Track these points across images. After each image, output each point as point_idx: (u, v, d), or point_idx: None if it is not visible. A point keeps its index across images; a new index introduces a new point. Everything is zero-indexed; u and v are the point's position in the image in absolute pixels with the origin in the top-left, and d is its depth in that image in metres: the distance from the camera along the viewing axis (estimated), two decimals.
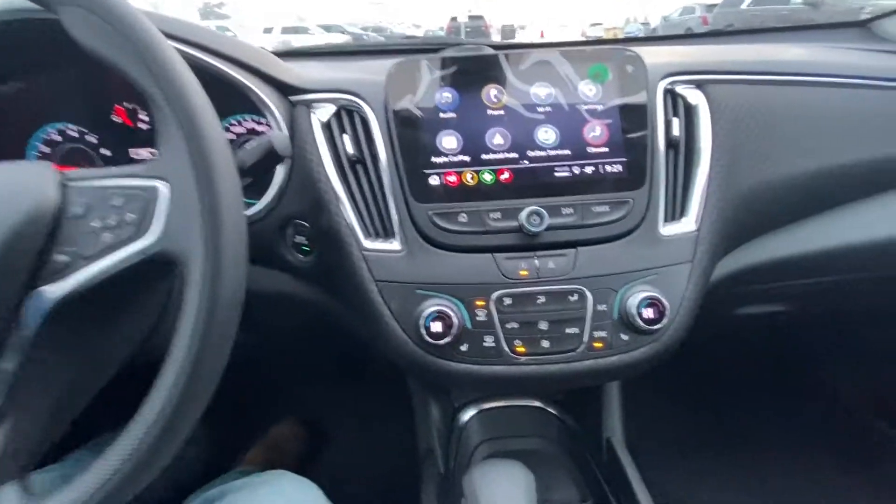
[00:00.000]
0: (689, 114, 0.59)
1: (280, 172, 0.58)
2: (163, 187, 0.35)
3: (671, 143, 0.57)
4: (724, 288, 0.63)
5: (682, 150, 0.58)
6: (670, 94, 0.60)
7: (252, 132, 0.67)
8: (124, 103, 0.68)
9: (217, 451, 0.98)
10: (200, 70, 0.54)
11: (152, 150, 0.69)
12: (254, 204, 0.60)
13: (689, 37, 1.12)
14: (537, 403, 0.80)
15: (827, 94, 0.64)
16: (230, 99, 0.58)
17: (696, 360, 0.93)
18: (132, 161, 0.69)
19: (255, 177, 0.49)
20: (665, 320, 0.51)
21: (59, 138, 0.67)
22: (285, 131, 0.57)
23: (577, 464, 0.75)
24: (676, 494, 0.93)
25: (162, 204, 0.35)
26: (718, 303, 0.63)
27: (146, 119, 0.68)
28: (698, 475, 0.98)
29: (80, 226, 0.35)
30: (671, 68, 0.60)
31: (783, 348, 1.17)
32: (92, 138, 0.68)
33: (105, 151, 0.69)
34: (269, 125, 0.64)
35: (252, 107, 0.59)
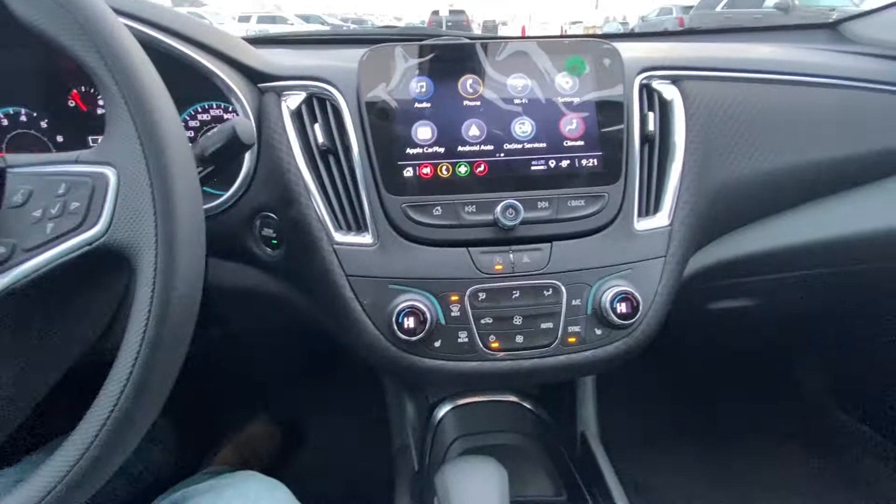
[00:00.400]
0: (664, 109, 0.60)
1: (247, 162, 0.56)
2: (111, 174, 0.33)
3: (646, 138, 0.57)
4: (696, 283, 0.64)
5: (657, 145, 0.58)
6: (646, 89, 0.60)
7: (218, 120, 0.64)
8: (81, 87, 0.64)
9: (186, 452, 0.95)
10: (159, 52, 0.52)
11: None
12: (220, 195, 0.57)
13: (665, 34, 1.13)
14: (513, 398, 0.80)
15: (797, 92, 0.66)
16: (195, 84, 0.55)
17: (669, 354, 0.95)
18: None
19: (217, 165, 0.46)
20: (638, 315, 0.51)
21: (6, 123, 0.63)
22: (251, 118, 0.55)
23: (551, 458, 0.75)
24: (650, 487, 0.94)
25: (110, 192, 0.32)
26: (690, 298, 0.64)
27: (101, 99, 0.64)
28: (671, 468, 1.00)
29: (21, 215, 0.33)
30: (647, 63, 0.60)
31: (753, 342, 1.20)
32: (45, 124, 0.64)
33: (59, 138, 0.65)
34: (235, 112, 0.61)
35: (218, 93, 0.56)
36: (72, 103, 0.64)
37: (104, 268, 0.38)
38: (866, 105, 0.67)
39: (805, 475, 1.00)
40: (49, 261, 0.32)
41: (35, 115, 0.63)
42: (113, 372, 0.31)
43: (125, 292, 0.45)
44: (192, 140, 0.63)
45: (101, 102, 0.64)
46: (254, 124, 0.55)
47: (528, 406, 0.76)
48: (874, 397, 1.06)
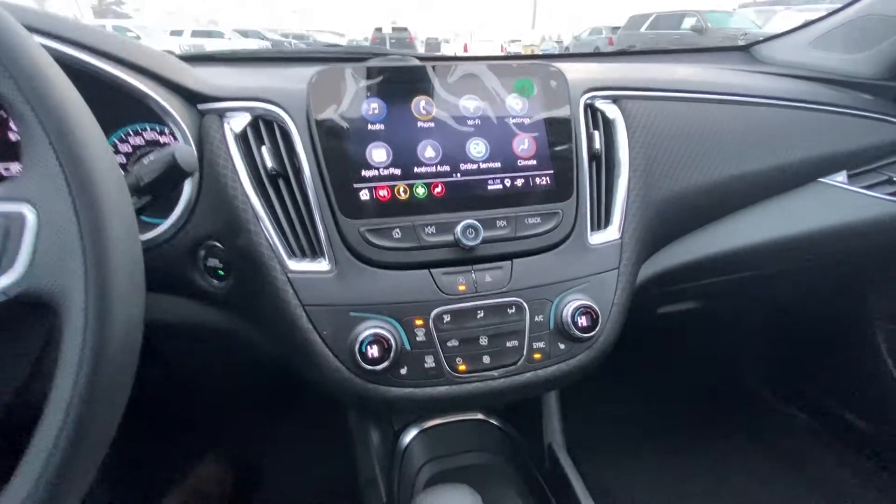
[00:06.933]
0: (608, 128, 0.62)
1: (188, 188, 0.52)
2: (28, 213, 0.29)
3: (593, 156, 0.60)
4: (646, 290, 0.67)
5: (604, 162, 0.61)
6: (590, 109, 0.62)
7: (153, 143, 0.59)
8: None
9: None
10: (84, 73, 0.47)
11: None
12: (158, 223, 0.53)
13: (599, 55, 1.20)
14: (479, 415, 0.79)
15: (723, 110, 0.71)
16: (126, 106, 0.51)
17: (625, 358, 0.98)
18: (1, 178, 0.58)
19: (155, 195, 0.43)
20: (598, 328, 0.52)
21: None
22: (191, 142, 0.51)
23: (521, 474, 0.75)
24: (616, 490, 0.96)
25: (27, 233, 0.28)
26: (642, 304, 0.67)
27: (17, 129, 0.58)
28: (637, 469, 1.03)
29: None
30: (590, 83, 0.63)
31: (701, 342, 1.27)
32: None
33: None
34: (172, 135, 0.57)
35: (153, 115, 0.52)
36: None
37: (18, 318, 0.34)
38: (782, 120, 0.74)
39: (754, 464, 1.06)
40: None
41: None
42: (38, 435, 0.27)
43: (45, 343, 0.40)
44: (123, 166, 0.58)
45: (13, 127, 0.58)
46: (194, 149, 0.51)
47: (495, 422, 0.75)
48: (810, 388, 1.15)
